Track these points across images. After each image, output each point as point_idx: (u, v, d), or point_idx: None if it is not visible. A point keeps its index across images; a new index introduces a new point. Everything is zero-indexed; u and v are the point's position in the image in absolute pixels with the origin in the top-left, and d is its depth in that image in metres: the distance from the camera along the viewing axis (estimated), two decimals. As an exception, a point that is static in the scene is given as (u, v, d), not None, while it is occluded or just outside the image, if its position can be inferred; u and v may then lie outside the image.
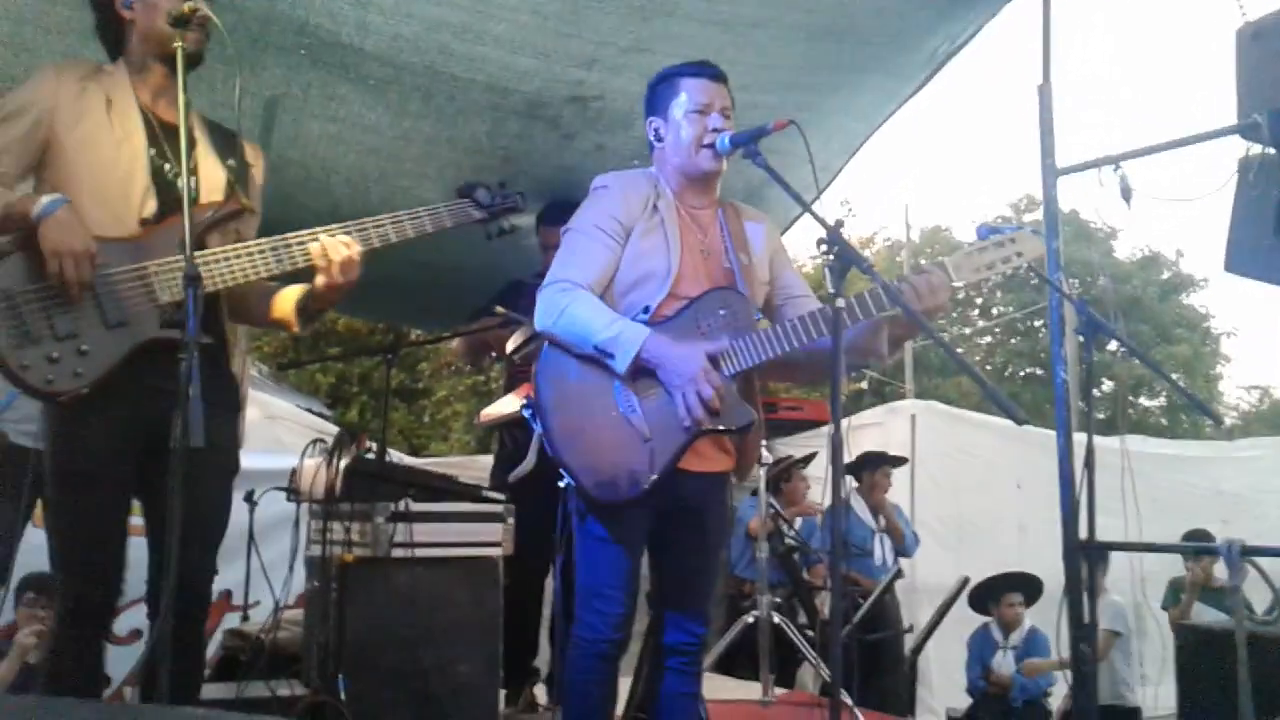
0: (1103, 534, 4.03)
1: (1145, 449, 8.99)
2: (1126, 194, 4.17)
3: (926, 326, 2.59)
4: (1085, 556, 3.98)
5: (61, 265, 2.32)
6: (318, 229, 2.64)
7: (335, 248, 2.61)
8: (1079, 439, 4.02)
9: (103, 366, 2.39)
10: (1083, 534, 3.99)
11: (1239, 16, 4.17)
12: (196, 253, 2.40)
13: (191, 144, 2.54)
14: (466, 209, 2.89)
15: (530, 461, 2.94)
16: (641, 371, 2.68)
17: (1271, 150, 4.01)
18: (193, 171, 2.55)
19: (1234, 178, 4.19)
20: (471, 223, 2.93)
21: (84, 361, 2.37)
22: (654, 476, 2.67)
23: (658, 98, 2.97)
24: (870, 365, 3.22)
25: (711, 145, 2.82)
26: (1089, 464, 3.82)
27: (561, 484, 2.78)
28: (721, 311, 2.77)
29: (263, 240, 2.60)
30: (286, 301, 2.74)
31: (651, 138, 2.98)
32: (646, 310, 2.77)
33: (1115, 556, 4.17)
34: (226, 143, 2.74)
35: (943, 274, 2.71)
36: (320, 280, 2.64)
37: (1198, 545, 3.89)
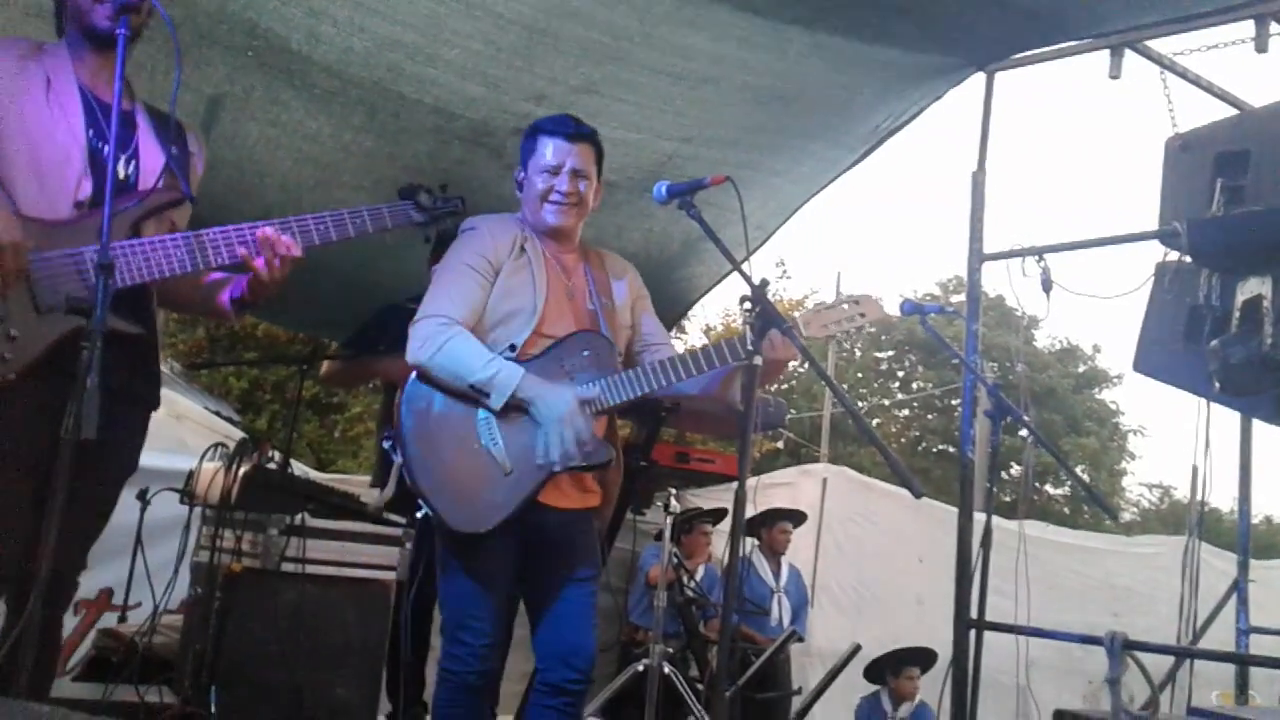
0: (994, 614, 4.10)
1: (1044, 535, 9.13)
2: (1046, 285, 4.29)
3: (836, 387, 2.64)
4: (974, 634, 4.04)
5: None
6: (259, 222, 2.55)
7: (278, 239, 2.53)
8: (979, 518, 4.10)
9: (30, 353, 2.30)
10: (974, 612, 4.06)
11: (1170, 127, 4.34)
12: (126, 242, 2.37)
13: (131, 127, 2.48)
14: (408, 211, 2.82)
15: (390, 490, 2.95)
16: (509, 406, 2.76)
17: (1187, 259, 4.16)
18: (132, 156, 2.49)
19: (1150, 281, 4.34)
20: (412, 225, 2.86)
21: (12, 347, 2.28)
22: (511, 509, 2.74)
23: (523, 150, 3.05)
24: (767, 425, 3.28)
25: (555, 203, 2.93)
26: (985, 544, 3.89)
27: (419, 514, 2.83)
28: (585, 353, 2.88)
29: (201, 232, 2.50)
30: (221, 290, 2.68)
31: (515, 187, 3.07)
32: (513, 347, 2.85)
33: (1003, 639, 4.23)
34: (170, 129, 2.63)
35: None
36: (257, 269, 2.54)
37: (1083, 636, 3.96)
